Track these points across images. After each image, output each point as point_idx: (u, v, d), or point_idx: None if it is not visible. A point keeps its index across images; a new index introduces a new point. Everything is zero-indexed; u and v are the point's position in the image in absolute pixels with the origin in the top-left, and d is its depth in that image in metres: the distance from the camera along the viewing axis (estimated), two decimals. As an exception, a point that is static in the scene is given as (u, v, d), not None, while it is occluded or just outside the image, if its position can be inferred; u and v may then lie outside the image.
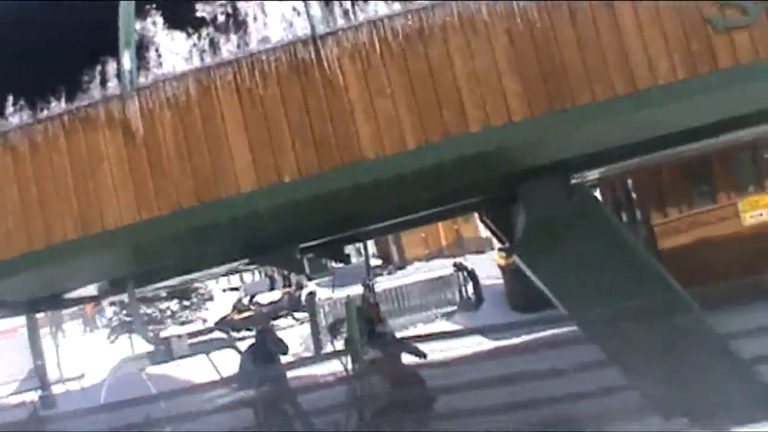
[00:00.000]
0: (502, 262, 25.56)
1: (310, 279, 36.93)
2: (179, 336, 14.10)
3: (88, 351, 30.81)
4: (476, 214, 20.05)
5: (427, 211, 13.91)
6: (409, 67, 9.76)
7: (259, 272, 42.17)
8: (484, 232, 38.83)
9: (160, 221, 9.97)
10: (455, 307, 27.02)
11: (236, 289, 46.37)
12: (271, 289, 39.53)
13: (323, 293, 28.33)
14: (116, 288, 13.61)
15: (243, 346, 18.73)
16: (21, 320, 22.68)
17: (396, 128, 9.69)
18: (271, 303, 33.69)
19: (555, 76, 9.69)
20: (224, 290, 43.15)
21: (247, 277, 47.28)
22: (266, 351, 14.78)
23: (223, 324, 31.86)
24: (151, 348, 14.86)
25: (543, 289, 12.49)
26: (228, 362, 21.07)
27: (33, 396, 22.62)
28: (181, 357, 14.52)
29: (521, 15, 9.71)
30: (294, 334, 28.91)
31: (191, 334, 17.35)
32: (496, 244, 36.06)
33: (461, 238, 42.23)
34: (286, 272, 41.94)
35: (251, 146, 9.84)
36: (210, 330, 17.01)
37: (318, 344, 25.26)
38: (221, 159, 9.89)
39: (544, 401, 12.08)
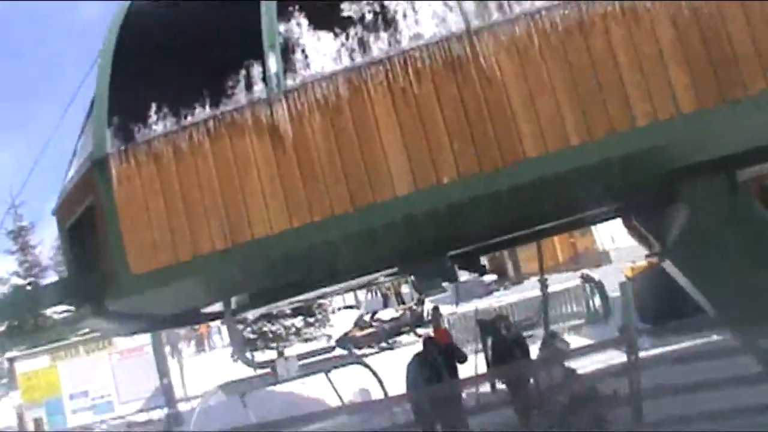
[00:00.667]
0: (630, 273, 24.86)
1: (420, 294, 36.74)
2: (286, 358, 13.59)
3: (208, 370, 30.94)
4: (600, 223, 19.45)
5: (570, 217, 13.34)
6: (570, 61, 9.24)
7: (373, 291, 42.02)
8: (602, 246, 38.03)
9: (312, 229, 9.63)
10: (582, 320, 26.29)
11: (351, 307, 46.29)
12: (385, 306, 39.33)
13: (446, 309, 27.85)
14: (259, 301, 13.31)
15: (373, 361, 18.44)
16: (146, 338, 22.84)
17: (558, 125, 9.17)
18: (393, 319, 33.34)
19: (725, 64, 9.09)
20: (339, 308, 42.87)
21: (361, 295, 47.02)
22: (436, 361, 14.27)
23: (344, 341, 31.69)
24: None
25: (694, 294, 11.87)
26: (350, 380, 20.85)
27: (159, 414, 22.63)
28: (288, 380, 13.87)
29: (686, 1, 9.12)
30: (415, 350, 28.47)
31: (311, 353, 16.82)
32: (614, 258, 35.46)
33: (578, 252, 41.46)
34: (399, 290, 41.96)
35: (406, 148, 9.44)
36: (330, 349, 16.67)
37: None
38: (375, 162, 9.51)
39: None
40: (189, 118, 10.10)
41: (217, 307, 13.64)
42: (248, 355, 29.58)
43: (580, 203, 11.85)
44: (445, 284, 40.36)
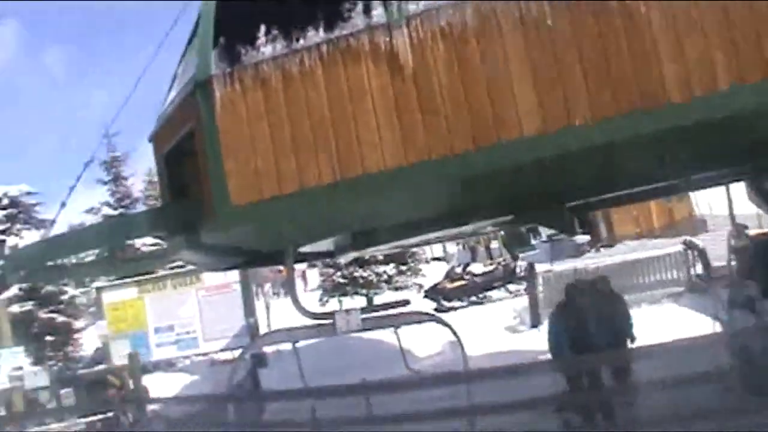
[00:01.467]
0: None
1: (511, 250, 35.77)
2: (347, 311, 12.93)
3: (292, 313, 30.60)
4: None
5: (699, 174, 12.36)
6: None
7: (462, 244, 41.27)
8: (700, 213, 36.62)
9: (429, 166, 8.91)
10: (682, 288, 25.12)
11: (439, 259, 45.64)
12: (473, 260, 38.58)
13: (541, 266, 26.95)
14: (360, 243, 12.69)
15: (452, 318, 17.69)
16: (234, 276, 22.50)
17: (707, 68, 8.23)
18: (485, 273, 32.48)
19: None
20: (427, 260, 42.17)
21: (450, 248, 46.35)
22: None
23: (434, 292, 31.00)
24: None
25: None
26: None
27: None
28: (347, 332, 13.20)
29: None
30: (506, 306, 27.83)
31: (383, 306, 16.01)
32: (711, 226, 34.05)
33: (674, 219, 39.99)
34: (489, 244, 41.14)
35: (537, 85, 8.61)
36: (404, 303, 16.28)
37: (536, 317, 24.01)
38: (502, 98, 8.71)
39: None
40: (301, 42, 9.43)
41: (313, 246, 13.12)
42: (337, 299, 29.40)
43: (714, 159, 10.86)
44: (535, 242, 39.47)
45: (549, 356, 13.66)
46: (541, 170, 9.00)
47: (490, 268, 33.25)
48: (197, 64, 10.04)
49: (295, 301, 12.45)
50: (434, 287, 31.56)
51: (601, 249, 36.46)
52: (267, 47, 9.58)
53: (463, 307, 29.96)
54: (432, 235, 14.23)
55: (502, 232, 21.40)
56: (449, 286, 31.51)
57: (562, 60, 8.57)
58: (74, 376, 18.95)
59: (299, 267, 42.87)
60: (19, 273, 14.16)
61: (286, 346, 19.57)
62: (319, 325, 12.84)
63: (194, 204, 10.79)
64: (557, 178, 9.74)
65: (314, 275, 38.34)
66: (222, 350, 23.29)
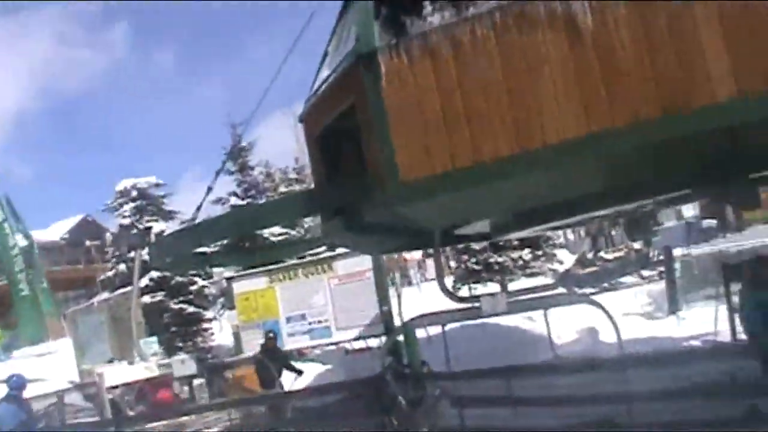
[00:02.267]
0: None
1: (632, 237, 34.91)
2: (493, 294, 12.62)
3: (422, 301, 30.44)
4: None
5: None
6: None
7: (578, 232, 40.61)
8: None
9: (613, 135, 8.49)
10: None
11: (561, 246, 44.97)
12: (593, 248, 37.85)
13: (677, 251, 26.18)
14: (520, 222, 12.32)
15: (606, 300, 17.22)
16: (367, 263, 22.30)
17: None
18: (617, 259, 31.82)
19: None
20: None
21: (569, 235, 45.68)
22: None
23: (566, 278, 30.48)
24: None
25: None
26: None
27: (377, 342, 22.14)
28: (493, 315, 12.97)
29: None
30: (640, 292, 27.11)
31: (531, 290, 15.67)
32: None
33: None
34: (609, 231, 40.33)
35: (731, 48, 8.11)
36: (552, 286, 15.74)
37: (674, 303, 23.27)
38: (692, 62, 8.24)
39: None
40: (471, 9, 9.07)
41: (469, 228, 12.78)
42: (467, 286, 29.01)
43: None
44: (656, 229, 38.63)
45: (696, 342, 13.21)
46: (730, 138, 8.49)
47: (622, 253, 32.52)
48: (358, 36, 9.80)
49: (442, 285, 12.18)
50: (566, 272, 31.00)
51: (729, 234, 35.28)
52: (434, 16, 9.26)
53: (595, 293, 29.28)
54: (595, 213, 13.73)
55: (622, 219, 20.72)
56: (581, 271, 30.92)
57: (757, 23, 8.05)
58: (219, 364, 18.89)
59: (416, 256, 42.72)
60: (165, 260, 14.20)
61: (421, 333, 19.61)
62: (467, 308, 12.41)
63: (353, 183, 10.56)
64: (744, 146, 9.18)
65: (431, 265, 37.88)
66: (355, 339, 23.03)
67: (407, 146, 9.32)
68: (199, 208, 13.11)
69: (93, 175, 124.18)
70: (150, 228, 13.76)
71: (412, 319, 13.66)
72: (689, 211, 50.08)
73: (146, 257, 29.75)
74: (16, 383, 13.61)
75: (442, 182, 9.19)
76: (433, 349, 15.67)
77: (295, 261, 25.19)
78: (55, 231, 68.53)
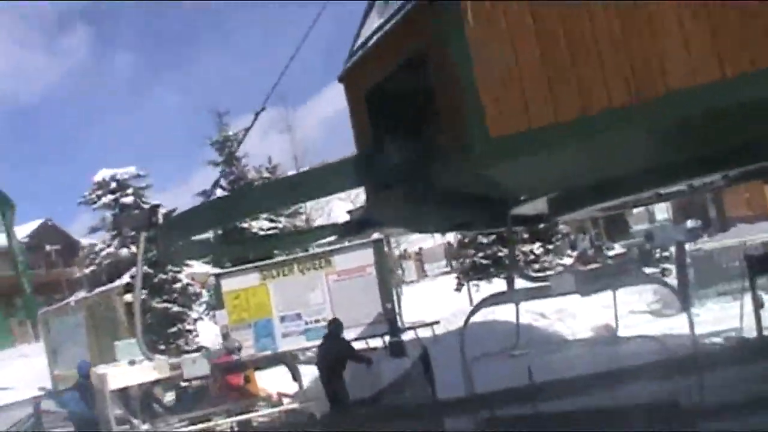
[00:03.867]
0: None
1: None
2: (561, 273, 11.91)
3: (425, 298, 29.47)
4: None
5: None
6: None
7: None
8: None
9: (747, 81, 7.34)
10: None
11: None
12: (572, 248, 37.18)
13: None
14: (578, 201, 11.26)
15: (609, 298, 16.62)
16: (368, 258, 21.22)
17: None
18: (618, 255, 31.07)
19: None
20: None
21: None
22: None
23: (565, 276, 29.62)
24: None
25: None
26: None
27: (377, 343, 21.05)
28: (563, 294, 12.17)
29: None
30: (643, 290, 26.22)
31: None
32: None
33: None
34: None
35: None
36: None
37: (686, 300, 22.36)
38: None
39: None
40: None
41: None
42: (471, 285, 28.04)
43: None
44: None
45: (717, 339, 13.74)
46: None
47: (624, 250, 31.86)
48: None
49: (513, 261, 11.12)
50: (566, 270, 30.17)
51: (714, 233, 34.91)
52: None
53: (597, 290, 28.34)
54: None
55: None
56: (582, 269, 30.09)
57: None
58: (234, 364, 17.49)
59: (413, 249, 41.66)
60: (174, 244, 13.04)
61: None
62: (537, 287, 11.79)
63: (416, 146, 9.41)
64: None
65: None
66: (356, 339, 21.80)
67: (498, 98, 8.15)
68: (216, 184, 11.87)
69: (53, 180, 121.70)
70: (157, 206, 12.60)
71: (485, 299, 12.74)
72: (662, 213, 49.84)
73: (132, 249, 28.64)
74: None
75: (542, 138, 8.02)
76: (442, 350, 14.58)
77: (289, 256, 23.98)
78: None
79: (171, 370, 12.97)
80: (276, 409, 12.38)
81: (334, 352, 15.83)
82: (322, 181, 11.02)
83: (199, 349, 25.45)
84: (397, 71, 9.57)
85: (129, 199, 30.27)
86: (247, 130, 13.12)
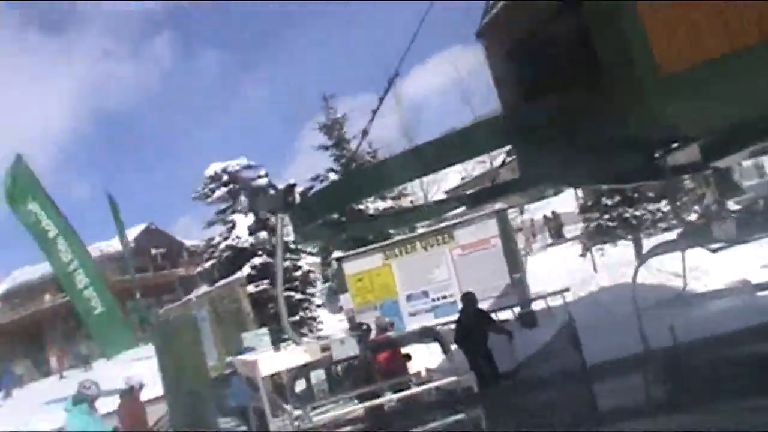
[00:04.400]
0: None
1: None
2: (725, 218, 11.80)
3: (549, 267, 28.97)
4: None
5: None
6: None
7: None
8: None
9: None
10: None
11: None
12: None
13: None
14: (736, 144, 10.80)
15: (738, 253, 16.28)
16: (493, 230, 20.96)
17: None
18: (744, 209, 30.16)
19: None
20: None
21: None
22: None
23: (693, 233, 28.80)
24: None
25: None
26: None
27: (507, 315, 20.79)
28: (724, 241, 13.30)
29: None
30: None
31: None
32: None
33: None
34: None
35: None
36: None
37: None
38: None
39: None
40: None
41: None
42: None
43: None
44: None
45: None
46: None
47: (748, 202, 30.88)
48: None
49: (675, 211, 10.80)
50: (691, 226, 29.28)
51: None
52: None
53: (725, 247, 27.59)
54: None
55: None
56: (712, 223, 29.21)
57: None
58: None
59: (527, 218, 41.06)
60: (311, 224, 12.89)
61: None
62: (698, 234, 12.49)
63: (568, 97, 9.09)
64: None
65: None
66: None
67: (667, 33, 7.81)
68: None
69: (154, 185, 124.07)
70: (293, 186, 12.45)
71: (654, 248, 12.51)
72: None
73: (250, 240, 28.74)
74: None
75: (719, 67, 7.64)
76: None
77: (410, 234, 23.81)
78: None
79: (321, 351, 12.85)
80: (433, 384, 12.04)
81: (474, 324, 15.52)
82: (471, 140, 10.72)
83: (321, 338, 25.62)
84: (546, 19, 9.29)
85: (263, 181, 30.12)
86: (374, 112, 12.59)
